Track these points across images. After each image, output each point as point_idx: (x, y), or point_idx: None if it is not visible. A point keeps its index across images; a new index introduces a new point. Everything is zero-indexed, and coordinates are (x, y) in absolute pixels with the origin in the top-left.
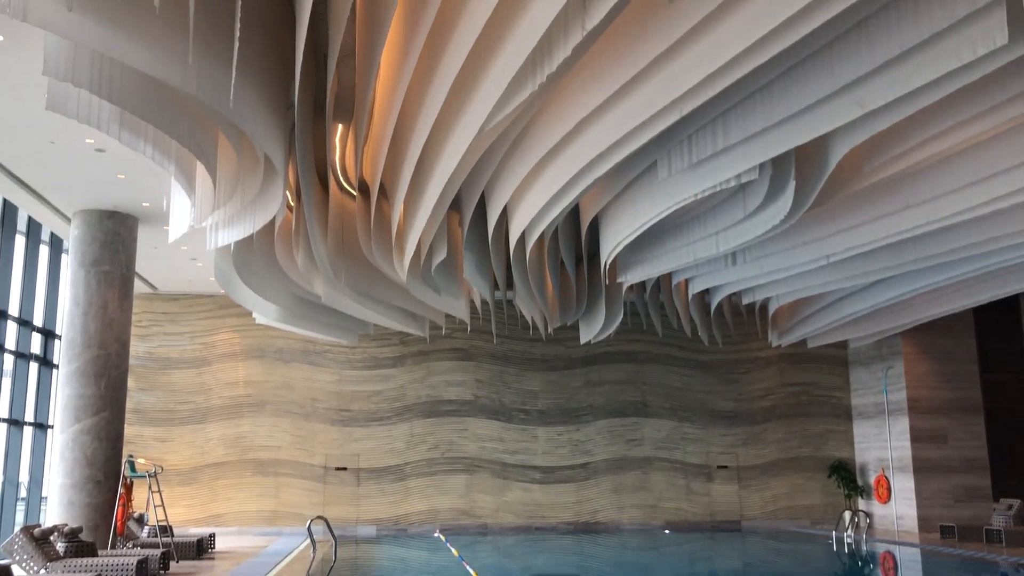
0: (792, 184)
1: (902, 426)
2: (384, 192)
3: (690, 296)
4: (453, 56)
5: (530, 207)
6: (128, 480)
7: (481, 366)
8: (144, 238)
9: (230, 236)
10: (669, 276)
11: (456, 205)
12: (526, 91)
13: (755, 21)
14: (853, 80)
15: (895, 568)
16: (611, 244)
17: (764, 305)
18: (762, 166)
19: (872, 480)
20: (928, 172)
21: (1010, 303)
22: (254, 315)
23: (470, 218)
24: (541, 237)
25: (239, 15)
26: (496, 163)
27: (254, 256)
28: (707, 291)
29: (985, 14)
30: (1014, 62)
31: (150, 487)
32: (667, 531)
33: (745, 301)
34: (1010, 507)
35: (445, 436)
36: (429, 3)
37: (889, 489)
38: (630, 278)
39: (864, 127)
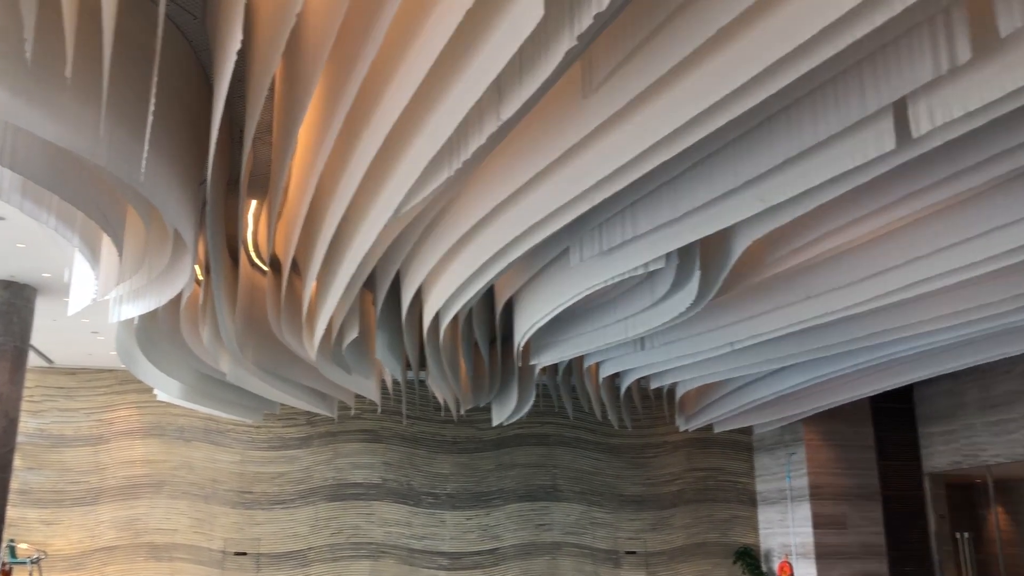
0: (697, 273)
1: (804, 512)
2: (296, 269)
3: (600, 379)
4: (371, 138)
5: (445, 289)
6: (7, 567)
7: (390, 448)
8: (42, 310)
9: (134, 310)
10: (581, 359)
11: (370, 284)
12: (442, 176)
13: (663, 118)
14: (755, 177)
15: None
16: (524, 327)
17: (672, 390)
18: (669, 255)
19: (776, 566)
20: (826, 265)
21: (904, 393)
22: (155, 392)
23: (384, 297)
24: (455, 318)
25: (154, 88)
26: (411, 244)
27: (158, 331)
28: (617, 375)
29: (875, 120)
30: (902, 165)
31: (31, 574)
32: None
33: (653, 385)
34: None
35: (350, 520)
36: (349, 84)
37: (792, 575)
38: (543, 361)
39: (765, 221)
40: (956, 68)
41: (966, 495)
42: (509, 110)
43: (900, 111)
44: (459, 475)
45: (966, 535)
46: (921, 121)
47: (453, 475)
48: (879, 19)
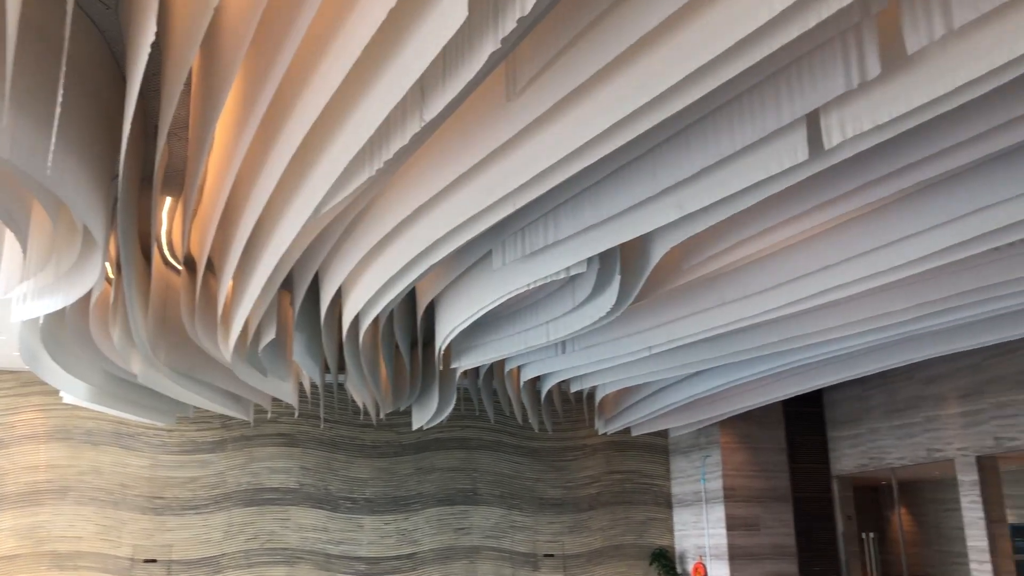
0: (618, 278)
1: (718, 514)
2: (211, 268)
3: (522, 383)
4: (290, 135)
5: (365, 290)
6: None
7: (307, 452)
8: None
9: (40, 308)
10: (502, 363)
11: (288, 284)
12: (363, 175)
13: (585, 123)
14: (674, 184)
15: None
16: (446, 330)
17: (591, 393)
18: (590, 260)
19: (690, 568)
20: (741, 272)
21: (815, 397)
22: (61, 394)
23: (302, 299)
24: (376, 320)
25: (62, 79)
26: (331, 244)
27: (65, 331)
28: (538, 378)
29: (789, 131)
30: (814, 176)
31: None
32: None
33: (574, 389)
34: None
35: (266, 526)
36: (268, 79)
37: None
38: (464, 364)
39: (683, 228)
40: (866, 83)
41: (872, 497)
42: (432, 111)
43: (813, 123)
44: (378, 479)
45: (871, 535)
46: (832, 133)
47: (372, 479)
48: (794, 32)
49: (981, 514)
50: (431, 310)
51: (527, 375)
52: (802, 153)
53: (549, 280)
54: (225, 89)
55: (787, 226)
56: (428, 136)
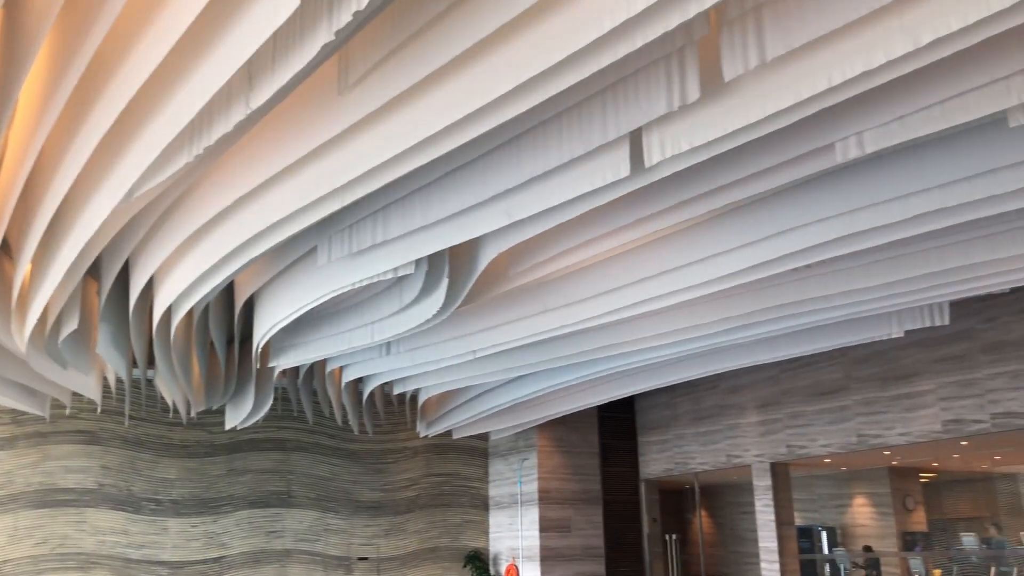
0: (445, 281)
1: (532, 516)
2: (8, 250)
3: (343, 384)
4: (103, 111)
5: (179, 281)
6: None
7: (110, 451)
8: None
9: None
10: (323, 363)
11: (95, 271)
12: (181, 161)
13: (417, 124)
14: (503, 191)
15: None
16: (265, 326)
17: (414, 396)
18: (418, 262)
19: (503, 569)
20: (564, 281)
21: (627, 404)
22: None
23: (110, 287)
24: (190, 314)
25: None
26: (145, 231)
27: None
28: (360, 379)
29: (613, 147)
30: (635, 192)
31: None
32: None
33: (397, 391)
34: None
35: (58, 529)
36: (82, 48)
37: None
38: (283, 363)
39: (511, 235)
40: (686, 105)
41: (676, 500)
42: (259, 99)
43: (636, 141)
44: (186, 480)
45: (674, 536)
46: (653, 152)
47: (180, 480)
48: (621, 51)
49: (772, 517)
50: (250, 305)
51: (349, 376)
52: (624, 169)
53: (376, 280)
54: (29, 57)
55: (609, 238)
56: (254, 124)
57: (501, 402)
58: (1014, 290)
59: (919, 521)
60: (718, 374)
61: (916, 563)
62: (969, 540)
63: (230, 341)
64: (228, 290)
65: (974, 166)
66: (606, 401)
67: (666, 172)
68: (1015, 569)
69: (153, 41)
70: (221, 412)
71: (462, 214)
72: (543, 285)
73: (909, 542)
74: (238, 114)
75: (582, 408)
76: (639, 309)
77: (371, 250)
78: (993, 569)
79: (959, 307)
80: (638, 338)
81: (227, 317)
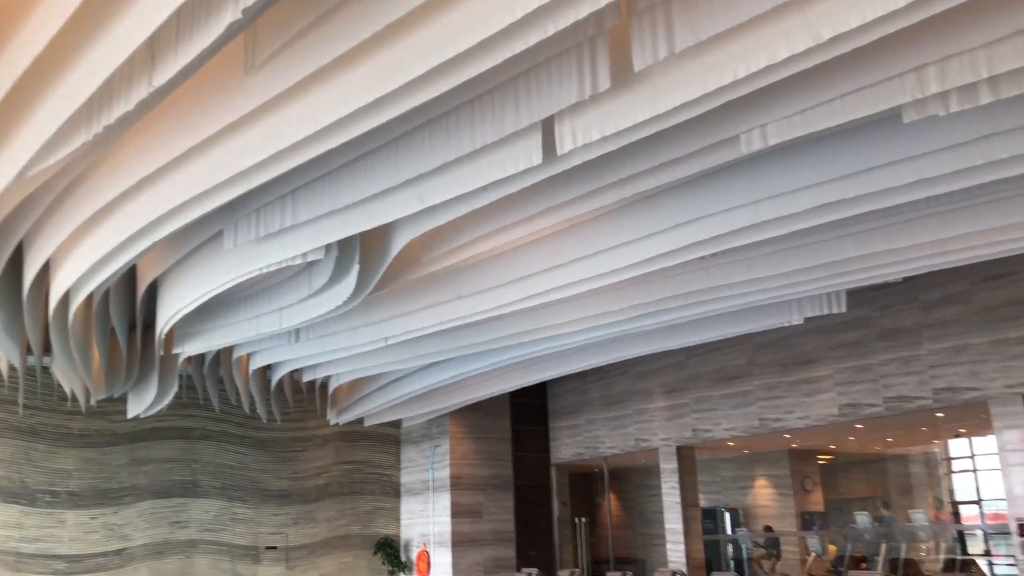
0: (356, 267)
1: (444, 502)
2: None
3: (251, 371)
4: None
5: (78, 265)
6: None
7: (2, 441)
8: None
9: None
10: (230, 349)
11: None
12: (79, 139)
13: (326, 106)
14: (415, 176)
15: None
16: (169, 312)
17: (325, 383)
18: (328, 247)
19: (415, 555)
20: (477, 268)
21: (539, 389)
22: None
23: (2, 270)
24: (90, 299)
25: None
26: (40, 212)
27: None
28: (269, 367)
29: (526, 134)
30: (546, 180)
31: None
32: None
33: (306, 378)
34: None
35: None
36: None
37: (429, 563)
38: (188, 349)
39: (423, 221)
40: (597, 95)
41: (586, 484)
42: (162, 77)
43: (548, 129)
44: (85, 471)
45: (583, 520)
46: (565, 140)
47: (78, 471)
48: (533, 38)
49: (678, 499)
50: (153, 290)
51: (257, 363)
52: (537, 157)
53: (284, 265)
54: None
55: (522, 226)
56: (157, 103)
57: (413, 389)
58: (907, 279)
59: (817, 501)
60: (628, 360)
61: (814, 542)
62: (862, 519)
63: (132, 327)
64: (130, 274)
65: (871, 160)
66: (518, 387)
67: (577, 161)
68: (904, 545)
69: (47, 13)
70: (123, 400)
71: (373, 199)
72: (456, 272)
73: (807, 521)
74: (140, 92)
75: (494, 394)
76: (551, 296)
77: (279, 235)
78: (883, 546)
79: (856, 295)
80: (550, 325)
81: (129, 302)
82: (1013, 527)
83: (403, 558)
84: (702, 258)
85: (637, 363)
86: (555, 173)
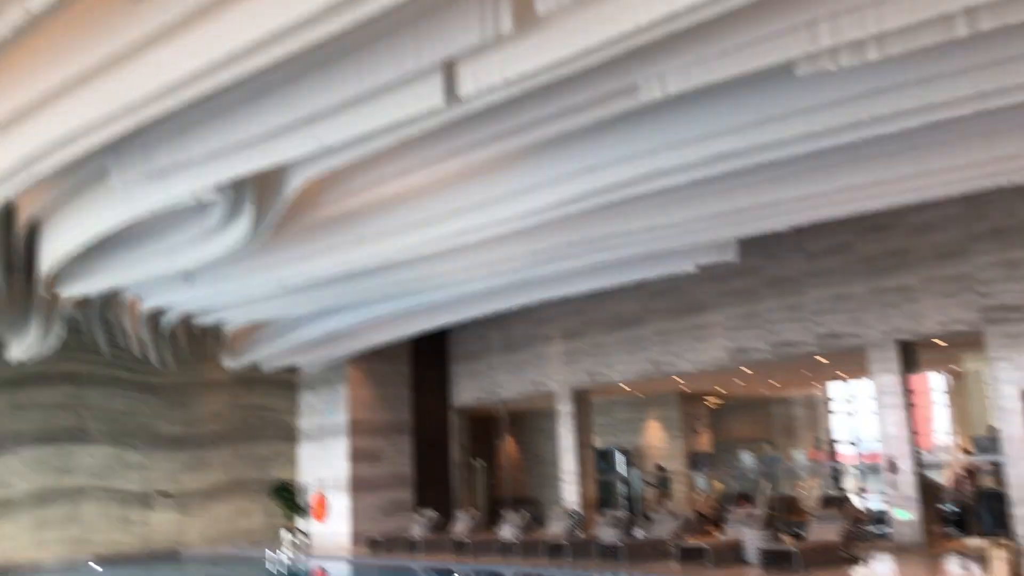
0: (250, 207)
1: (343, 447)
2: None
3: (142, 314)
4: None
5: None
6: None
7: None
8: None
9: None
10: (120, 292)
11: None
12: None
13: (219, 39)
14: (311, 114)
15: None
16: (53, 253)
17: (220, 327)
18: (222, 187)
19: (312, 499)
20: (377, 212)
21: (440, 335)
22: None
23: None
24: None
25: None
26: None
27: None
28: (161, 310)
29: (427, 76)
30: (447, 124)
31: None
32: (95, 566)
33: (201, 322)
34: (426, 517)
35: None
36: None
37: (327, 507)
38: (74, 291)
39: (320, 161)
40: (500, 38)
41: (485, 427)
42: (39, 1)
43: (450, 71)
44: None
45: (482, 462)
46: (467, 83)
47: None
48: None
49: (574, 441)
50: (35, 230)
51: (148, 305)
52: (437, 99)
53: (175, 205)
54: None
55: (423, 170)
56: (35, 29)
57: (312, 335)
58: (796, 230)
59: (706, 443)
60: (527, 306)
61: (701, 480)
62: (747, 458)
63: (11, 268)
64: (9, 213)
65: (765, 113)
66: (419, 333)
67: (479, 104)
68: (784, 483)
69: None
70: (3, 344)
71: (267, 137)
72: (356, 216)
73: (696, 461)
74: (15, 16)
75: (395, 340)
76: (453, 242)
77: (169, 172)
78: (765, 483)
79: (747, 245)
80: (451, 270)
81: (6, 242)
82: (884, 465)
83: (300, 502)
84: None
85: (537, 309)
86: (456, 117)
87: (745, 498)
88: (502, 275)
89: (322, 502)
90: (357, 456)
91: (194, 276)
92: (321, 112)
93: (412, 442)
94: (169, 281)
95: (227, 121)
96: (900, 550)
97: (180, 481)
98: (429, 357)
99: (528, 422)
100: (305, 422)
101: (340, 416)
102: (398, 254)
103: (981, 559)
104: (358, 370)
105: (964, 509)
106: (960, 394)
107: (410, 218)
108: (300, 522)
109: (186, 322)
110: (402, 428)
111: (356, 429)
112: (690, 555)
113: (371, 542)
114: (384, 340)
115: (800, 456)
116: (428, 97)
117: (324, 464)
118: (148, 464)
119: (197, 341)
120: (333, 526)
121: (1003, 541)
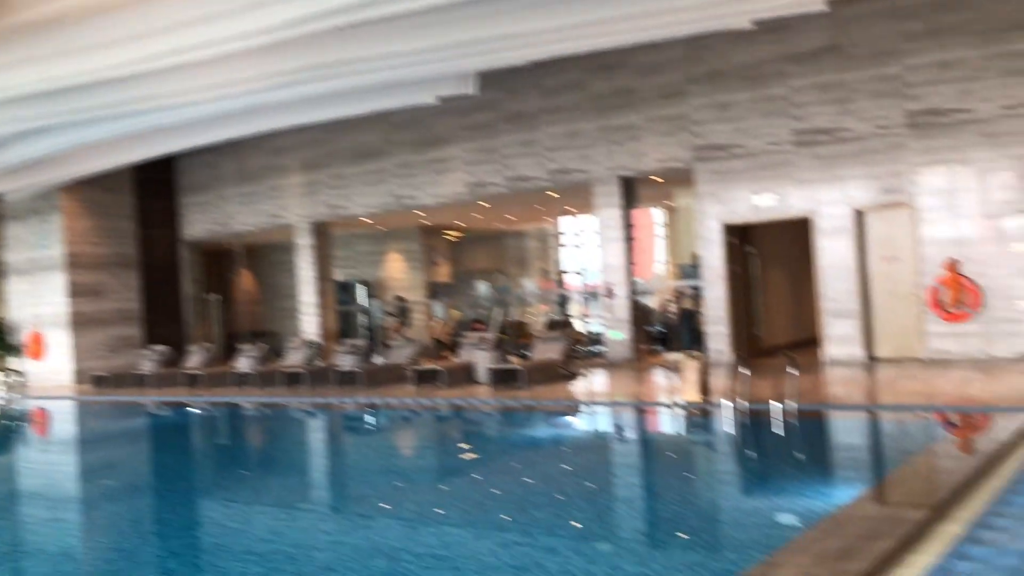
0: None
1: (59, 282)
2: None
3: None
4: None
5: None
6: None
7: None
8: None
9: None
10: None
11: None
12: None
13: None
14: None
15: (46, 421)
16: None
17: None
18: None
19: (27, 337)
20: (88, 20)
21: (166, 164)
22: None
23: None
24: None
25: None
26: None
27: None
28: None
29: None
30: None
31: None
32: None
33: None
34: (157, 352)
35: None
36: None
37: (44, 345)
38: None
39: None
40: None
41: (219, 261)
42: None
43: None
44: None
45: (216, 296)
46: None
47: None
48: None
49: (313, 273)
50: None
51: None
52: None
53: None
54: None
55: None
56: None
57: (14, 159)
58: (535, 65)
59: (445, 274)
60: (263, 135)
61: (439, 309)
62: (482, 288)
63: None
64: None
65: None
66: (142, 161)
67: None
68: (515, 310)
69: None
70: None
71: None
72: (58, 23)
73: (435, 292)
74: None
75: (114, 168)
76: (173, 59)
77: None
78: (497, 310)
79: (487, 79)
80: (175, 91)
81: None
82: (603, 292)
83: (13, 341)
84: (339, 28)
85: (273, 138)
86: None
87: (479, 324)
88: (233, 99)
89: (38, 339)
90: (77, 291)
91: None
92: None
93: (139, 276)
94: None
95: None
96: (612, 366)
97: None
98: (155, 187)
99: (266, 255)
100: (14, 256)
101: (55, 249)
102: (110, 71)
103: (677, 370)
104: (74, 200)
105: (669, 329)
106: (674, 228)
107: (123, 30)
108: (13, 361)
109: None
110: (127, 262)
111: (74, 263)
112: (425, 377)
113: (96, 379)
114: (102, 167)
115: (531, 285)
116: None
117: (38, 300)
118: None
119: None
120: (53, 364)
121: (695, 354)
